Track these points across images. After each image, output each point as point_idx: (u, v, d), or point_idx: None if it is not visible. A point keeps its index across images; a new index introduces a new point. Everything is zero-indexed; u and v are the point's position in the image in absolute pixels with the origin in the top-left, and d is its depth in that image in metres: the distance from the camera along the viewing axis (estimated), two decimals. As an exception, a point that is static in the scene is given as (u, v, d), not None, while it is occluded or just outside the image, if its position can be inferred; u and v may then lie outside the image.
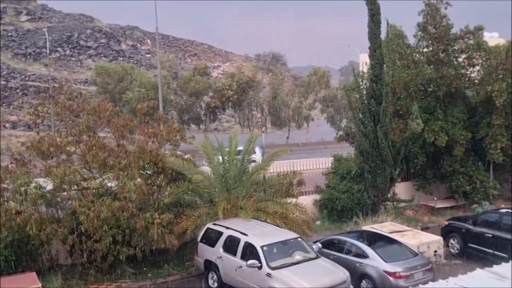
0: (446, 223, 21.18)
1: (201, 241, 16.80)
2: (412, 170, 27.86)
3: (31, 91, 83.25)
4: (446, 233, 20.53)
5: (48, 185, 16.93)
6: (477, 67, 27.53)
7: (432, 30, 27.35)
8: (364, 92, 25.27)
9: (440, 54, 27.34)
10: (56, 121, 29.59)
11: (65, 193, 16.97)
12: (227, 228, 16.10)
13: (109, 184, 17.34)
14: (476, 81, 27.20)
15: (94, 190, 16.71)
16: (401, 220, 22.70)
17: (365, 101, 24.00)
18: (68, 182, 16.50)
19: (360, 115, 24.01)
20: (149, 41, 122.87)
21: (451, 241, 20.19)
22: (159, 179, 17.69)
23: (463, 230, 19.85)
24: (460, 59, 27.41)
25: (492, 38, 28.67)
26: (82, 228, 15.60)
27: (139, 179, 17.35)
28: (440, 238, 19.04)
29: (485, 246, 18.71)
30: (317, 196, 24.83)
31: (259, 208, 18.04)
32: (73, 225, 16.19)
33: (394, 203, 24.91)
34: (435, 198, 27.19)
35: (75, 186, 16.88)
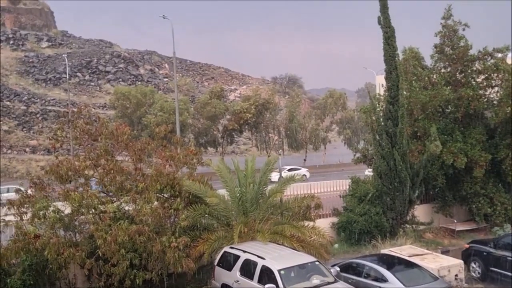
0: (467, 246, 20.79)
1: (218, 264, 16.69)
2: (431, 192, 27.52)
3: (51, 116, 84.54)
4: (467, 256, 20.14)
5: (66, 209, 17.03)
6: (496, 88, 27.31)
7: (449, 51, 27.28)
8: (381, 114, 25.18)
9: (458, 75, 27.21)
10: (74, 145, 29.90)
11: (83, 216, 17.04)
12: (244, 251, 15.99)
13: (126, 208, 17.38)
14: (495, 102, 26.94)
15: (111, 214, 16.76)
16: (420, 243, 22.35)
17: (382, 123, 23.91)
18: (86, 206, 16.57)
19: (377, 137, 23.89)
20: (166, 66, 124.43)
21: (473, 264, 19.80)
22: (176, 202, 17.67)
23: (485, 253, 19.45)
24: (478, 80, 27.24)
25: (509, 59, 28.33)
26: (100, 252, 15.59)
27: (156, 203, 17.37)
28: (461, 261, 18.65)
29: (507, 269, 18.28)
30: (334, 219, 24.61)
31: (276, 231, 17.90)
32: (91, 249, 16.22)
33: (413, 226, 24.57)
34: (455, 221, 26.74)
35: (93, 210, 16.93)
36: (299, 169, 53.51)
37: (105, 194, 17.99)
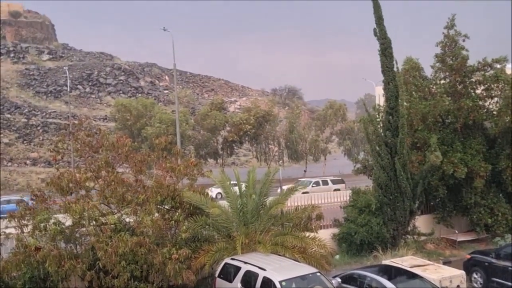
0: (469, 256, 20.76)
1: (219, 276, 16.66)
2: (432, 203, 27.51)
3: (51, 128, 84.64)
4: (469, 267, 20.10)
5: (67, 221, 17.03)
6: (496, 99, 27.39)
7: (450, 61, 27.39)
8: (380, 125, 25.23)
9: (458, 85, 27.31)
10: (75, 157, 29.99)
11: (84, 228, 17.04)
12: (245, 263, 15.97)
13: (127, 219, 17.39)
14: (494, 112, 27.01)
15: (112, 226, 16.78)
16: (422, 254, 22.34)
17: (381, 134, 23.96)
18: (86, 217, 16.58)
19: (377, 148, 23.92)
20: (167, 78, 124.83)
21: (474, 275, 19.77)
22: (177, 213, 17.71)
23: (486, 264, 19.42)
24: (478, 91, 27.32)
25: (509, 70, 28.46)
26: (100, 264, 15.58)
27: (156, 214, 17.39)
28: (462, 272, 18.59)
29: (509, 280, 18.27)
30: (335, 230, 24.59)
31: (277, 242, 17.88)
32: (92, 261, 16.19)
33: (414, 236, 24.55)
34: (456, 231, 26.70)
35: (94, 222, 16.94)
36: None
37: (106, 206, 18.00)
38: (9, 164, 74.16)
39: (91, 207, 16.66)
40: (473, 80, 27.37)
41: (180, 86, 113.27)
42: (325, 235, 22.17)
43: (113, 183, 17.46)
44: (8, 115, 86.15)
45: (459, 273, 18.34)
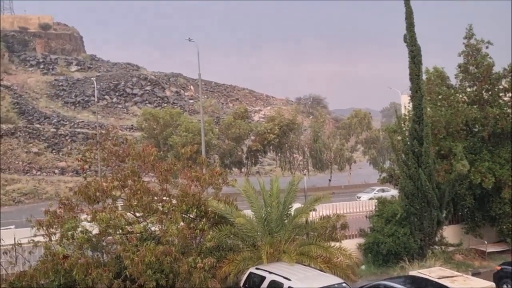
0: (499, 268, 20.32)
1: (243, 285, 16.63)
2: (460, 213, 27.02)
3: (79, 138, 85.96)
4: (499, 278, 19.68)
5: (94, 229, 17.24)
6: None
7: (473, 70, 27.04)
8: (407, 134, 24.97)
9: (484, 93, 26.90)
10: (102, 166, 30.37)
11: (110, 237, 17.22)
12: (270, 272, 15.91)
13: (152, 228, 17.51)
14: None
15: (138, 234, 16.92)
16: (450, 265, 21.93)
17: (408, 142, 23.70)
18: (113, 226, 16.76)
19: (403, 156, 23.67)
20: (192, 87, 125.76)
21: (504, 287, 19.33)
22: (202, 222, 17.76)
23: (517, 275, 18.98)
24: (506, 99, 26.87)
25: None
26: (127, 273, 15.69)
27: (182, 223, 17.45)
28: (492, 284, 18.20)
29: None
30: (361, 240, 24.31)
31: (302, 252, 17.79)
32: (118, 270, 16.34)
33: (442, 247, 24.14)
34: (486, 242, 26.14)
35: (120, 230, 17.12)
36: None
37: (132, 215, 18.17)
38: (38, 173, 75.52)
39: (118, 215, 16.86)
40: (500, 87, 26.95)
41: (205, 96, 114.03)
42: (351, 245, 21.98)
43: (139, 192, 17.62)
44: (38, 125, 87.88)
45: (488, 285, 17.94)
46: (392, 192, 45.79)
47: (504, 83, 26.90)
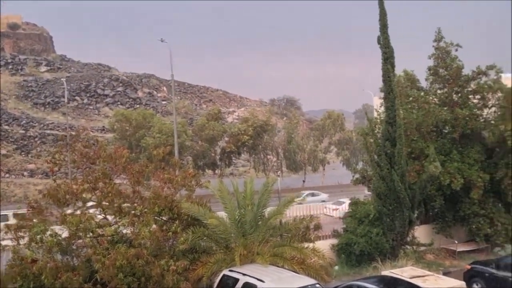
0: (469, 267, 20.64)
1: (217, 288, 16.49)
2: (431, 213, 27.41)
3: (49, 140, 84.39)
4: (469, 277, 19.99)
5: (64, 232, 16.88)
6: (493, 108, 27.44)
7: (443, 72, 27.48)
8: (379, 136, 25.20)
9: (454, 95, 27.35)
10: (73, 168, 29.81)
11: (81, 240, 16.90)
12: (244, 274, 15.80)
13: (124, 231, 17.25)
14: (492, 122, 27.03)
15: (109, 237, 16.63)
16: (421, 265, 22.19)
17: (381, 144, 23.91)
18: (83, 229, 16.46)
19: (376, 158, 23.87)
20: (165, 88, 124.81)
21: (474, 286, 19.66)
22: (175, 225, 17.55)
23: (486, 274, 19.32)
24: (475, 101, 27.37)
25: (507, 79, 28.65)
26: (98, 276, 15.42)
27: (154, 225, 17.24)
28: (462, 283, 18.47)
29: (509, 290, 18.15)
30: (334, 241, 24.44)
31: (276, 253, 17.74)
32: (88, 273, 16.02)
33: (414, 247, 24.42)
34: (456, 242, 26.57)
35: (90, 233, 16.80)
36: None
37: (103, 217, 17.87)
38: (7, 175, 73.86)
39: (88, 218, 16.55)
40: (469, 89, 27.44)
41: (178, 97, 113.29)
42: (324, 246, 22.05)
43: (110, 194, 17.34)
44: (6, 127, 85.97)
45: (459, 284, 18.20)
46: (322, 196, 46.28)
47: (473, 85, 27.40)
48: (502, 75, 28.03)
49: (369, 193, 46.89)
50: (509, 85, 27.04)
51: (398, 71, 28.40)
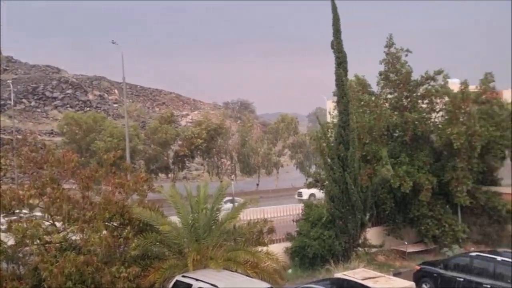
0: (418, 268, 21.13)
1: (170, 294, 16.22)
2: (382, 215, 27.94)
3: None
4: (418, 278, 20.46)
5: (9, 240, 16.25)
6: (441, 112, 28.28)
7: (393, 77, 28.13)
8: (331, 139, 25.51)
9: (404, 100, 28.02)
10: (19, 173, 28.83)
11: (27, 248, 16.32)
12: (197, 280, 15.61)
13: (73, 238, 16.75)
14: (440, 125, 27.85)
15: (57, 244, 16.12)
16: (373, 266, 22.53)
17: (333, 147, 24.18)
18: (30, 236, 15.87)
19: (329, 161, 24.12)
20: (116, 91, 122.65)
21: (424, 286, 20.14)
22: (126, 230, 17.15)
23: (435, 274, 19.83)
24: (424, 105, 28.13)
25: (454, 85, 29.61)
26: (45, 285, 14.92)
27: (104, 231, 16.81)
28: (412, 283, 18.88)
29: (457, 290, 18.68)
30: (288, 244, 24.53)
31: (230, 258, 17.62)
32: (36, 282, 15.49)
33: (366, 248, 24.79)
34: (406, 243, 27.18)
35: (38, 241, 16.23)
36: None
37: (51, 224, 17.30)
38: None
39: (35, 225, 15.98)
40: (418, 94, 28.19)
41: (130, 100, 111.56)
42: (278, 249, 22.08)
43: (58, 200, 16.79)
44: None
45: (409, 285, 18.60)
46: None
47: (421, 90, 28.16)
48: (449, 80, 28.94)
49: (300, 198, 48.81)
50: (455, 90, 27.98)
51: (357, 72, 29.05)
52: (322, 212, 24.22)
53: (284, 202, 40.36)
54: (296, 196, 52.00)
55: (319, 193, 49.91)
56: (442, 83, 27.96)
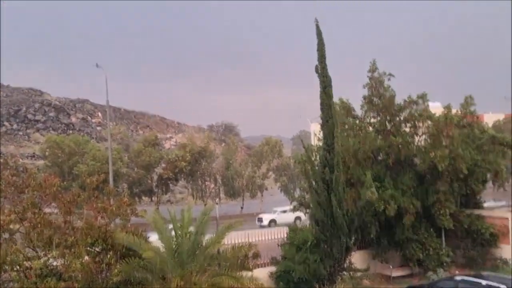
0: (403, 292, 21.05)
1: (153, 321, 15.90)
2: (367, 239, 27.91)
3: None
4: (404, 302, 20.36)
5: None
6: (423, 136, 28.56)
7: (377, 101, 28.40)
8: (317, 162, 25.52)
9: (387, 124, 28.26)
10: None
11: (7, 274, 15.95)
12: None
13: (54, 264, 16.42)
14: (423, 149, 28.09)
15: (37, 271, 15.74)
16: (358, 291, 22.41)
17: (318, 170, 24.18)
18: (9, 262, 15.52)
19: (314, 184, 24.09)
20: (100, 114, 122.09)
21: (409, 310, 20.02)
22: (108, 256, 16.89)
23: (420, 298, 19.75)
24: (406, 129, 28.39)
25: (436, 108, 30.02)
26: (24, 313, 14.54)
27: (86, 257, 16.54)
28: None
29: (442, 314, 18.62)
30: (273, 268, 24.31)
31: (214, 283, 17.36)
32: (14, 310, 15.10)
33: (351, 272, 24.65)
34: (391, 267, 27.14)
35: (17, 267, 15.87)
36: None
37: (31, 250, 16.96)
38: None
39: (15, 251, 15.64)
40: (402, 117, 28.47)
41: (114, 123, 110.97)
42: (263, 273, 21.89)
43: (39, 225, 16.49)
44: None
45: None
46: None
47: (405, 113, 28.44)
48: (431, 103, 29.31)
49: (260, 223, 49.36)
50: (437, 113, 28.34)
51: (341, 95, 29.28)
52: (307, 236, 24.08)
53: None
54: (256, 222, 51.96)
55: (280, 219, 50.45)
56: (423, 106, 28.27)
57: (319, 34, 24.10)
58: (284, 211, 50.07)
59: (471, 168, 27.18)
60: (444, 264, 26.88)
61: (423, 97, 28.13)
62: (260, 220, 52.53)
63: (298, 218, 47.35)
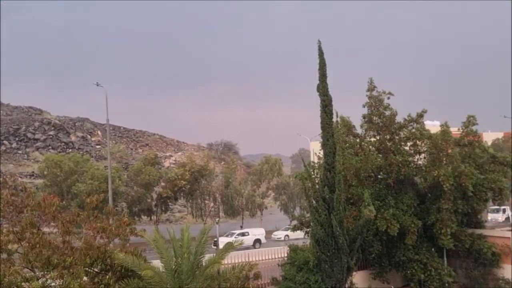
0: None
1: None
2: (368, 258, 27.68)
3: (-27, 185, 79.79)
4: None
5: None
6: (423, 154, 28.50)
7: (377, 120, 28.41)
8: (317, 181, 25.42)
9: (387, 142, 28.21)
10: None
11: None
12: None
13: (52, 284, 16.21)
14: (423, 167, 27.99)
15: (35, 292, 15.53)
16: (359, 312, 22.14)
17: (319, 189, 24.06)
18: (7, 283, 15.31)
19: (314, 203, 23.95)
20: (99, 132, 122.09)
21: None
22: (107, 276, 16.71)
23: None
24: (406, 147, 28.34)
25: (434, 127, 30.02)
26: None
27: (85, 278, 16.34)
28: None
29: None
30: (273, 289, 24.06)
31: (214, 304, 17.17)
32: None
33: (352, 293, 24.39)
34: (392, 287, 26.84)
35: (15, 288, 15.66)
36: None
37: (30, 270, 16.75)
38: None
39: (13, 272, 15.44)
40: (402, 136, 28.45)
41: (113, 141, 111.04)
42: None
43: (38, 245, 16.33)
44: None
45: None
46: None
47: (405, 132, 28.43)
48: (430, 122, 29.34)
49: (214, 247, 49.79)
50: (434, 132, 28.34)
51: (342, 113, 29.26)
52: (307, 256, 23.87)
53: (268, 245, 39.95)
54: (212, 246, 51.69)
55: (236, 242, 50.29)
56: (419, 125, 28.30)
57: (321, 54, 24.23)
58: (243, 234, 50.67)
59: (474, 187, 27.07)
60: (446, 284, 26.61)
61: (422, 115, 28.16)
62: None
63: (257, 240, 49.60)
